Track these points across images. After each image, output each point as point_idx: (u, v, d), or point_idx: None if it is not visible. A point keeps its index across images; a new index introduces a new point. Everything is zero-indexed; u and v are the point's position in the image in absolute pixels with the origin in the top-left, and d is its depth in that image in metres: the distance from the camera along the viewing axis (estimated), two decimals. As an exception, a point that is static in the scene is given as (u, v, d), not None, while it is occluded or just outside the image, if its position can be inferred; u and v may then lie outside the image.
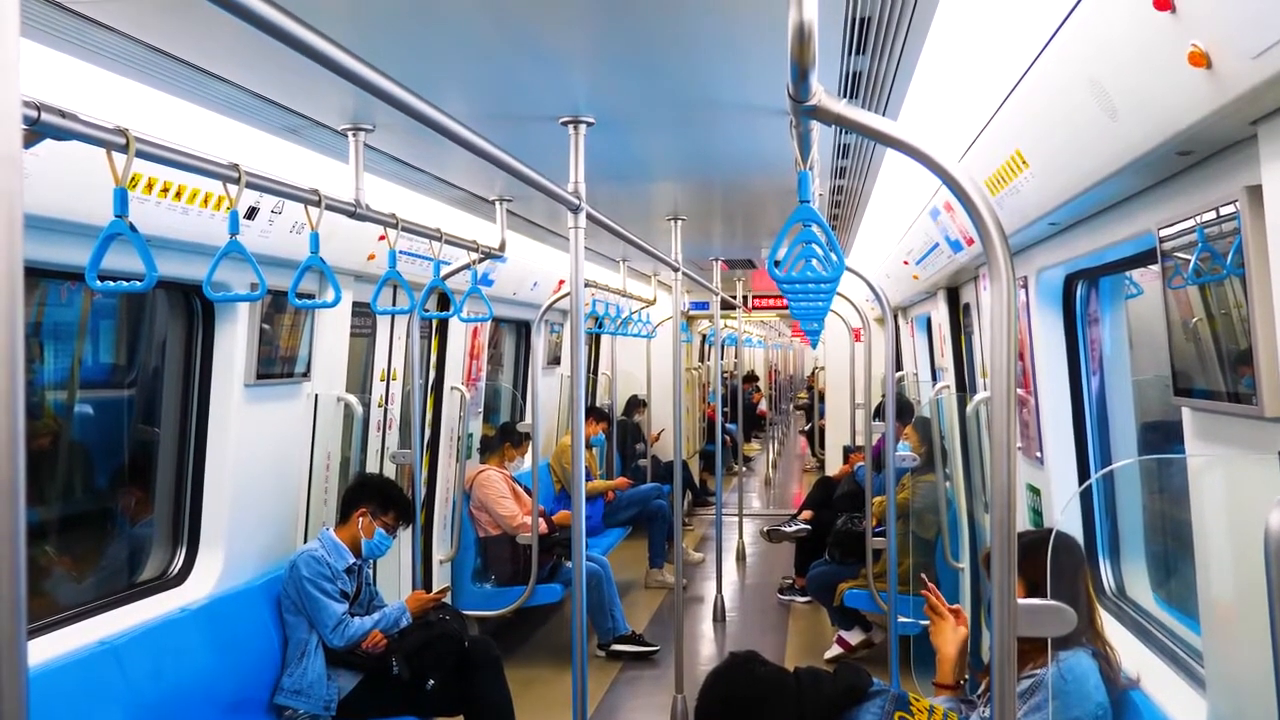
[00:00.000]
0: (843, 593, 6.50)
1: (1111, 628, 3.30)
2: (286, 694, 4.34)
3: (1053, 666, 2.94)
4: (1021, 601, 1.73)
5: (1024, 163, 3.10)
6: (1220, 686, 2.62)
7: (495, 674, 4.65)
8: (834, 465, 11.23)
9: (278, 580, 4.53)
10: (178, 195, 3.31)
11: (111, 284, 2.63)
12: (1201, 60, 1.79)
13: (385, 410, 5.97)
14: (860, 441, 9.72)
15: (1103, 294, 4.12)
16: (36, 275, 3.48)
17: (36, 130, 2.06)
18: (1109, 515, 4.13)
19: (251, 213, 3.73)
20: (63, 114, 2.09)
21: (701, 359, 15.35)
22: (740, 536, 10.24)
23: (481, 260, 4.77)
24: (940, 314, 6.96)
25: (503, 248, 4.81)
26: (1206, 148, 2.29)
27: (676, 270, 5.89)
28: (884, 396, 5.99)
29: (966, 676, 3.27)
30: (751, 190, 5.10)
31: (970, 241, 4.60)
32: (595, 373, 11.32)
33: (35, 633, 3.46)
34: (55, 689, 3.29)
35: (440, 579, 6.52)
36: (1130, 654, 3.19)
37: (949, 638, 3.22)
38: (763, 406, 19.69)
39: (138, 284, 2.52)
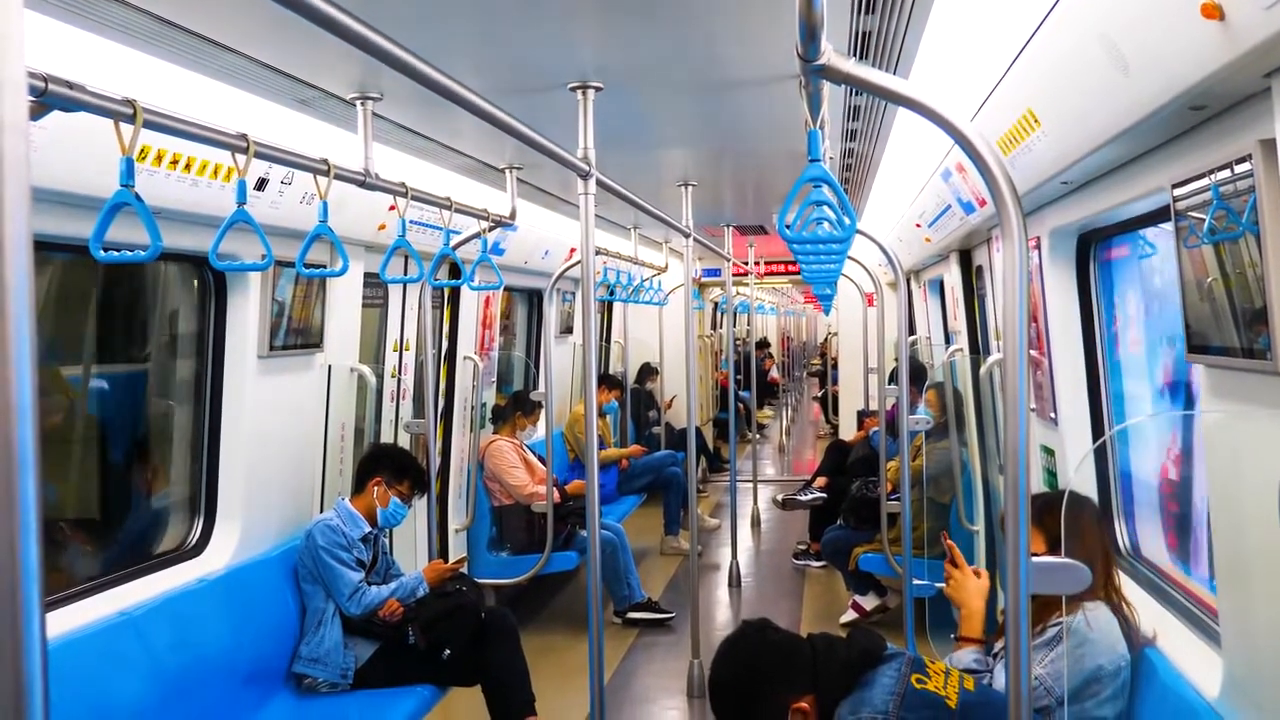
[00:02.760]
0: (858, 557, 6.51)
1: (1127, 587, 3.30)
2: (304, 662, 4.37)
3: (1079, 614, 2.95)
4: (1036, 560, 1.73)
5: (1036, 121, 3.08)
6: (1235, 643, 2.62)
7: (512, 645, 4.67)
8: (848, 431, 11.23)
9: (294, 550, 4.56)
10: (187, 167, 3.31)
11: (116, 254, 2.63)
12: (1215, 12, 1.77)
13: (399, 380, 5.98)
14: (874, 406, 9.72)
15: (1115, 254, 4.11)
16: (45, 248, 3.48)
17: (44, 102, 2.05)
18: (1123, 474, 4.12)
19: (261, 184, 3.72)
20: (70, 85, 2.09)
21: (714, 326, 15.33)
22: (755, 503, 10.26)
23: (492, 229, 4.76)
24: (953, 277, 6.94)
25: (513, 216, 4.80)
26: (1220, 102, 2.27)
27: (688, 236, 5.88)
28: (897, 361, 5.98)
29: (1000, 620, 3.27)
30: (762, 154, 5.07)
31: (982, 203, 4.58)
32: (608, 341, 11.32)
33: (55, 604, 3.49)
34: (76, 659, 3.32)
35: (456, 548, 6.55)
36: (1146, 613, 3.19)
37: (972, 591, 3.22)
38: (774, 374, 19.57)
39: (142, 254, 2.52)
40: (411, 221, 4.59)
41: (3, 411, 0.76)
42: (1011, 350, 1.73)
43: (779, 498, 8.51)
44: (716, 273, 12.52)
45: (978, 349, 6.60)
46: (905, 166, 5.75)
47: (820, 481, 8.05)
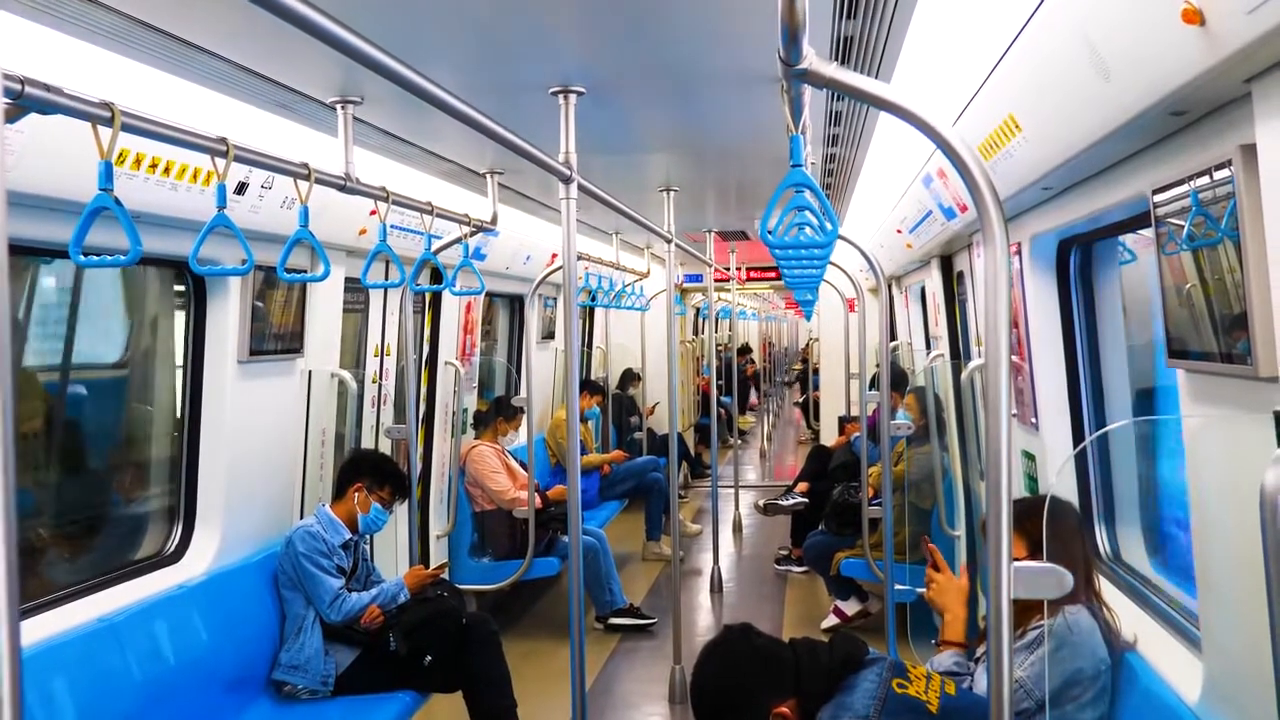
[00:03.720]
0: (839, 562, 6.52)
1: (1107, 592, 3.31)
2: (284, 669, 4.35)
3: (1060, 617, 2.96)
4: (1017, 564, 1.73)
5: (1017, 127, 3.09)
6: (1216, 648, 2.63)
7: (493, 651, 4.65)
8: (829, 436, 11.25)
9: (274, 556, 4.53)
10: (166, 171, 3.29)
11: (96, 259, 2.61)
12: (1195, 18, 1.77)
13: (379, 386, 5.96)
14: (855, 412, 9.73)
15: (1096, 259, 4.11)
16: (23, 253, 3.46)
17: (21, 104, 2.04)
18: (1104, 479, 4.13)
19: (241, 188, 3.71)
20: (47, 87, 2.07)
21: (696, 332, 15.33)
22: (736, 508, 10.27)
23: (473, 234, 4.75)
24: (934, 282, 6.95)
25: (494, 221, 4.79)
26: (1200, 107, 2.28)
27: (669, 242, 5.88)
28: (879, 366, 5.99)
29: (982, 625, 3.27)
30: (744, 160, 5.08)
31: (963, 208, 4.59)
32: (589, 346, 11.31)
33: (34, 610, 3.46)
34: (54, 667, 3.29)
35: (437, 554, 6.53)
36: (1126, 617, 3.20)
37: (954, 596, 3.22)
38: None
39: (122, 258, 2.51)
40: (392, 226, 4.58)
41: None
42: (993, 356, 1.73)
43: (760, 503, 8.51)
44: (698, 278, 12.53)
45: (959, 354, 6.61)
46: (887, 172, 5.76)
47: (802, 487, 8.04)
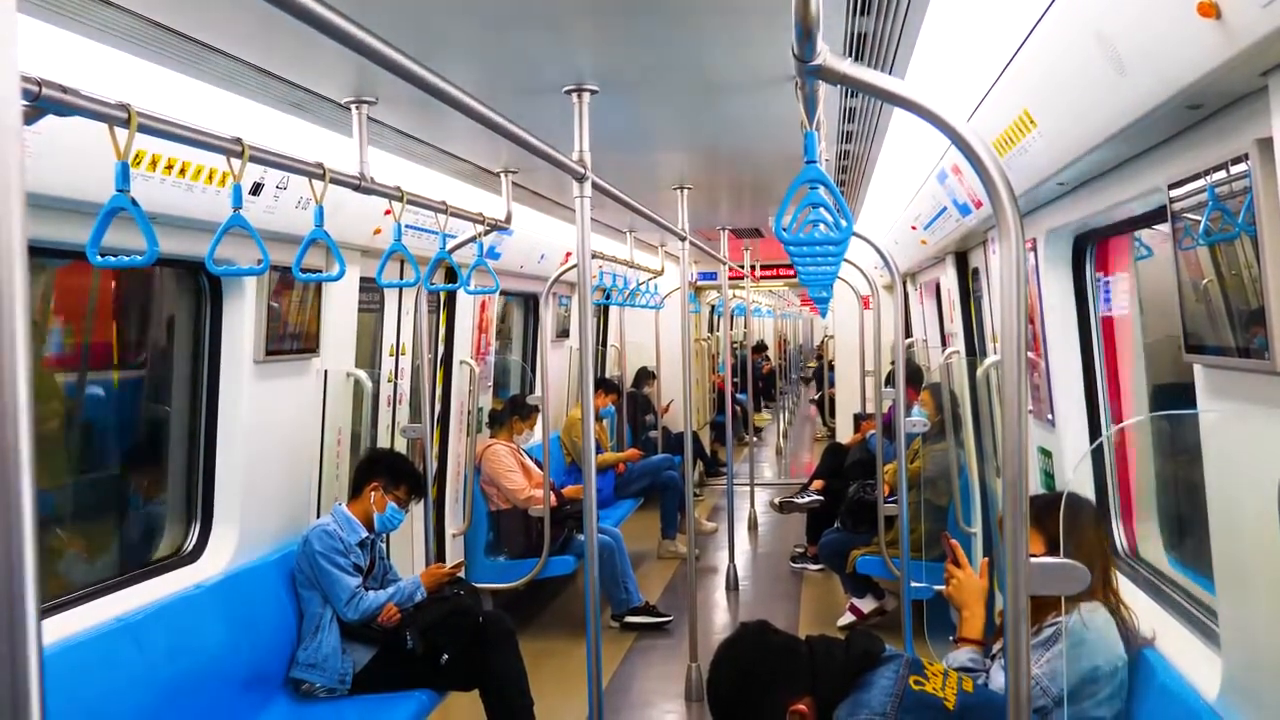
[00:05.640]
0: (855, 560, 6.51)
1: (1125, 588, 3.30)
2: (302, 667, 4.36)
3: (1075, 615, 2.95)
4: (1034, 560, 1.72)
5: (1031, 122, 3.08)
6: (1235, 643, 2.62)
7: (510, 648, 4.66)
8: (845, 434, 11.24)
9: (292, 555, 4.55)
10: (181, 172, 3.30)
11: (113, 259, 2.62)
12: (1211, 11, 1.76)
13: (395, 385, 5.97)
14: (871, 409, 9.71)
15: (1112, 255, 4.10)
16: (41, 254, 3.47)
17: (39, 106, 2.05)
18: (1121, 475, 4.12)
19: (256, 189, 3.72)
20: (64, 89, 2.08)
21: (711, 329, 15.32)
22: (752, 506, 10.26)
23: (488, 233, 4.76)
24: (949, 279, 6.94)
25: (509, 220, 4.80)
26: (1216, 101, 2.27)
27: (684, 240, 5.88)
28: (894, 363, 5.98)
29: (999, 622, 3.26)
30: (758, 157, 5.07)
31: (978, 204, 4.58)
32: (604, 345, 11.31)
33: (51, 611, 3.48)
34: (73, 666, 3.31)
35: (453, 553, 6.54)
36: (1144, 613, 3.19)
37: (974, 593, 3.20)
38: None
39: (138, 259, 2.52)
40: (407, 226, 4.59)
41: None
42: (1009, 352, 1.72)
43: (776, 501, 8.50)
44: (713, 276, 12.53)
45: (974, 351, 6.59)
46: (901, 169, 5.75)
47: (817, 484, 8.03)
